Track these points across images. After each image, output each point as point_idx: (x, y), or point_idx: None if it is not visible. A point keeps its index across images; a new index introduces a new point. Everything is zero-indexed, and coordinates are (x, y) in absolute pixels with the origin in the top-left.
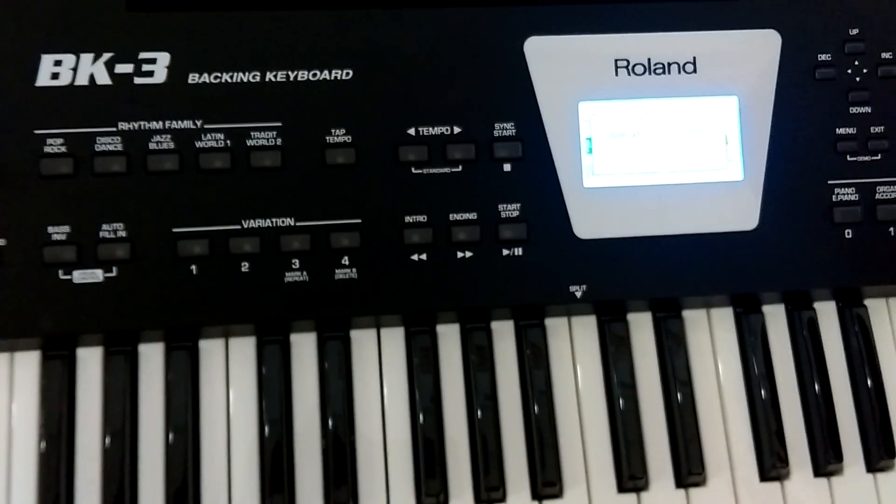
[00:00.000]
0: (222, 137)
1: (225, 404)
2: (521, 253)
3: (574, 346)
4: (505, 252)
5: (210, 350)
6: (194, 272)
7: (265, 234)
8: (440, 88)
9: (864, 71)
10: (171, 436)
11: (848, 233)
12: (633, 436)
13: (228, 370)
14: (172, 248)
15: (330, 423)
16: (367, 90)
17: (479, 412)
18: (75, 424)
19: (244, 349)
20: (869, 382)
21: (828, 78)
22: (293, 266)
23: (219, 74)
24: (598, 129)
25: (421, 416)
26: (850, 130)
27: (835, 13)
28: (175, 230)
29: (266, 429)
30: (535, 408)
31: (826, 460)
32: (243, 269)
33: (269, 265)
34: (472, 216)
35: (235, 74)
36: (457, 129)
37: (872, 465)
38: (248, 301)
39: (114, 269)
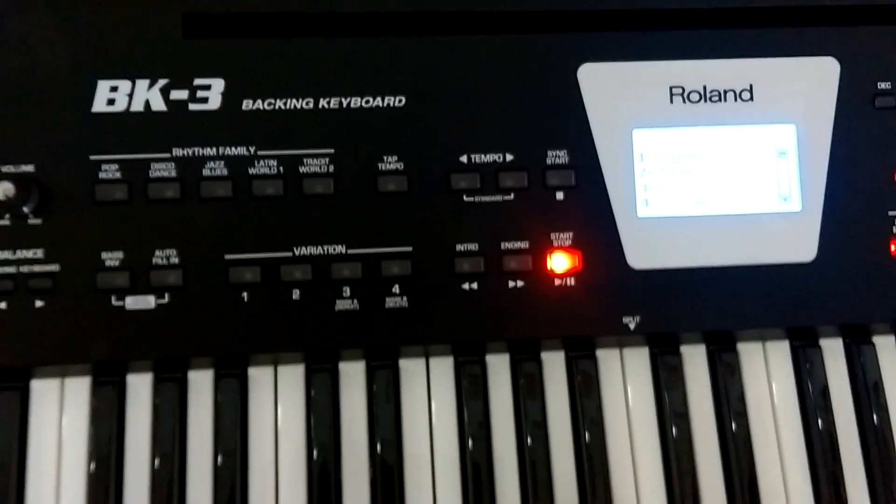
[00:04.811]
0: (275, 164)
1: (273, 432)
2: (573, 283)
3: (626, 377)
4: (557, 282)
5: (259, 378)
6: (245, 299)
7: (316, 261)
8: (493, 116)
9: None
10: (219, 462)
11: None
12: (685, 466)
13: (277, 398)
14: (224, 275)
15: (378, 450)
16: (420, 117)
17: (528, 440)
18: (124, 450)
19: (293, 377)
20: None
21: (888, 106)
22: (344, 294)
23: (272, 101)
24: (652, 158)
25: (470, 443)
26: None
27: (894, 41)
28: (227, 257)
29: (314, 457)
30: (587, 436)
31: (885, 497)
32: (294, 297)
33: (320, 293)
34: (524, 245)
35: (289, 101)
36: (509, 157)
37: None
38: (299, 329)
39: (166, 295)
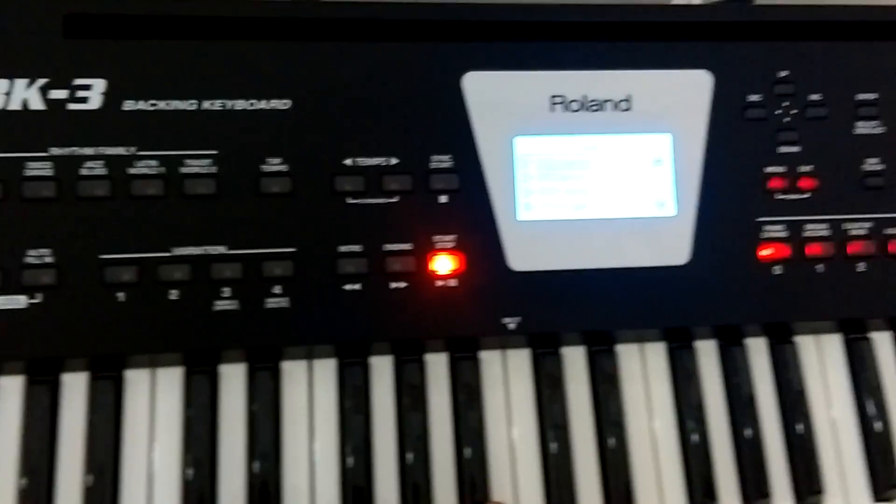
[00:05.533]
0: (156, 164)
1: (148, 438)
2: (455, 284)
3: (508, 379)
4: (439, 283)
5: (136, 380)
6: (121, 299)
7: (196, 261)
8: (378, 120)
9: (793, 112)
10: (89, 480)
11: (776, 269)
12: (564, 478)
13: (154, 402)
14: (99, 274)
15: (257, 466)
16: (305, 120)
17: (410, 455)
18: None
19: (171, 380)
20: (798, 420)
21: (758, 118)
22: (224, 294)
23: (155, 102)
24: (533, 164)
25: (350, 461)
26: (779, 169)
27: (765, 56)
28: (102, 256)
29: (190, 470)
30: (468, 451)
31: (755, 497)
32: (172, 297)
33: (198, 293)
34: (408, 247)
35: (172, 102)
36: (394, 161)
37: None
38: (176, 329)
39: (38, 295)
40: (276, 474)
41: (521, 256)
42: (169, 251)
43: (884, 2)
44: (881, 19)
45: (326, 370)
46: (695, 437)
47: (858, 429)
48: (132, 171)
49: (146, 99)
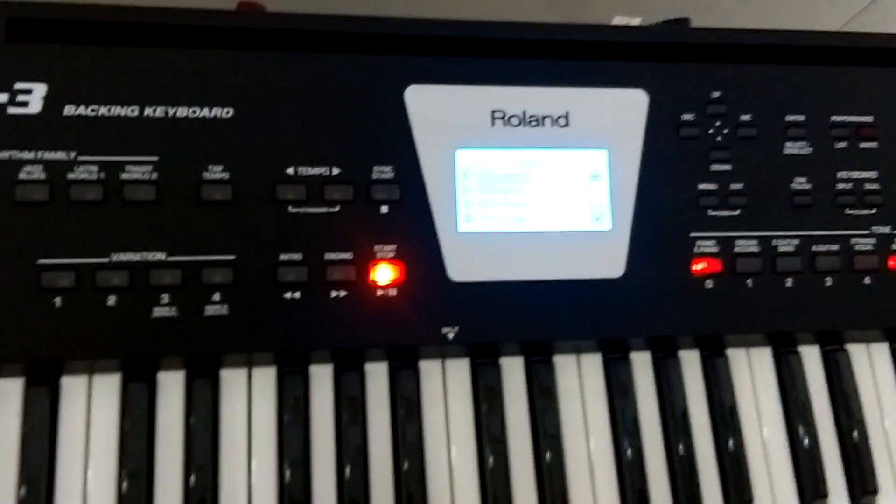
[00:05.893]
0: (96, 170)
1: (84, 447)
2: (395, 294)
3: (447, 390)
4: (379, 293)
5: (72, 387)
6: (58, 305)
7: (135, 267)
8: (321, 131)
9: (725, 131)
10: (23, 486)
11: (708, 283)
12: (501, 490)
13: (90, 409)
14: (37, 279)
15: (193, 478)
16: (248, 129)
17: (348, 468)
18: None
19: (108, 387)
20: (729, 432)
21: (691, 136)
22: (162, 301)
23: (96, 107)
24: (473, 176)
25: (288, 473)
26: (711, 186)
27: (699, 76)
28: (40, 261)
29: (125, 483)
30: (406, 463)
31: None
32: (110, 304)
33: (137, 300)
34: (348, 256)
35: (113, 108)
36: (336, 171)
37: None
38: (114, 336)
39: None
40: (213, 486)
41: (461, 267)
42: (108, 257)
43: (813, 27)
44: (811, 44)
45: (266, 378)
46: (629, 451)
47: (787, 440)
48: (72, 176)
49: (87, 104)
